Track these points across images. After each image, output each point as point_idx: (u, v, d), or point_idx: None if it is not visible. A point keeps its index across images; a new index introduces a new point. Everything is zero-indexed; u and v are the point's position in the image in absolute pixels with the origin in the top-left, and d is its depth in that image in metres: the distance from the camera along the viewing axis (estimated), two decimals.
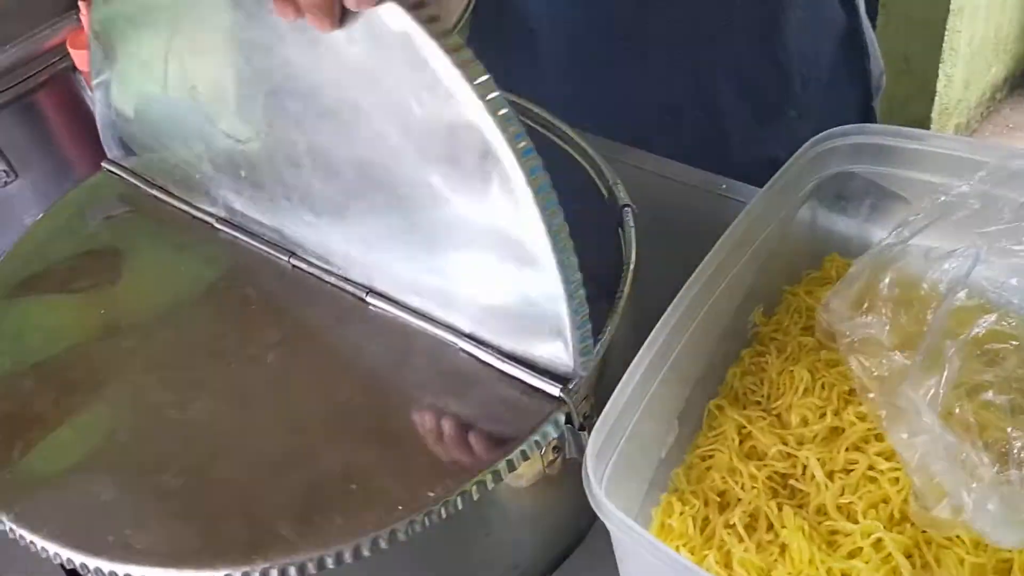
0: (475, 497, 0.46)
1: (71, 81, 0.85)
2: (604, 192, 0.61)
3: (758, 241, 0.56)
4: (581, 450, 0.51)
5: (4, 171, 0.83)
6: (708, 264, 0.52)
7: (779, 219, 0.58)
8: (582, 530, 0.59)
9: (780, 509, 0.52)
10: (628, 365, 0.49)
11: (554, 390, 0.49)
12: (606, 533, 0.46)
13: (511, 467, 0.47)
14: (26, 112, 0.84)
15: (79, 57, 0.79)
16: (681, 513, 0.53)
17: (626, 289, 0.53)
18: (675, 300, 0.50)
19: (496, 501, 0.50)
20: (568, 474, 0.54)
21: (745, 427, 0.56)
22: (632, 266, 0.55)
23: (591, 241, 0.68)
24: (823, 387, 0.56)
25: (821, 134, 0.58)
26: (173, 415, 0.51)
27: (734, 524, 0.52)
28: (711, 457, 0.56)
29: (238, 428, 0.51)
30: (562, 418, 0.48)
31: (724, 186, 0.78)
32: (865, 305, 0.53)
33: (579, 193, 0.67)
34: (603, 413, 0.47)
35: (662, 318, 0.50)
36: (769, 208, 0.56)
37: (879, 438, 0.54)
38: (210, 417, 0.51)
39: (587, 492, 0.46)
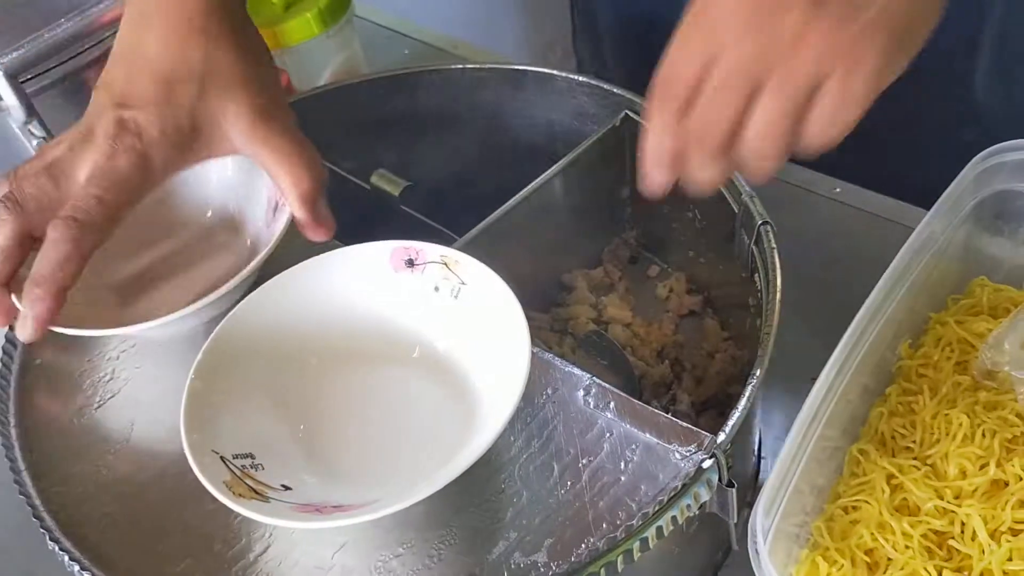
0: (620, 569, 0.41)
1: None
2: (735, 207, 0.55)
3: (918, 269, 0.50)
4: (723, 506, 0.45)
5: None
6: (875, 298, 0.47)
7: (939, 245, 0.51)
8: None
9: (939, 573, 0.47)
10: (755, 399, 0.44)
11: (701, 442, 0.43)
12: None
13: (660, 534, 0.42)
14: (76, 91, 0.78)
15: None
16: (828, 574, 0.48)
17: (774, 325, 0.47)
18: (842, 342, 0.44)
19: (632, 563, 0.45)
20: (700, 528, 0.49)
21: (895, 477, 0.50)
22: (779, 296, 0.49)
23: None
24: (983, 434, 0.51)
25: (988, 149, 0.52)
26: None
27: None
28: (856, 509, 0.50)
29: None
30: (715, 478, 0.43)
31: (837, 190, 0.72)
32: None
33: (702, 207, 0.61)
34: (776, 469, 0.42)
35: (830, 364, 0.44)
36: (933, 234, 0.50)
37: None
38: None
39: (752, 553, 0.43)
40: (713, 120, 0.40)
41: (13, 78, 0.71)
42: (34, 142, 0.76)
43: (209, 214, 0.58)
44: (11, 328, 0.54)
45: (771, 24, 0.38)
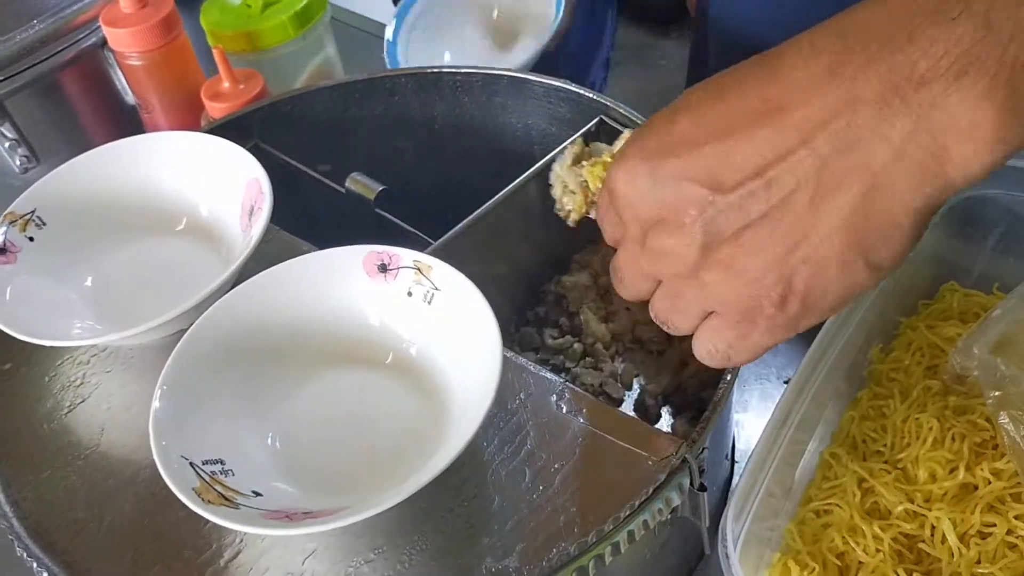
0: (591, 573, 0.41)
1: (99, 59, 0.78)
2: None
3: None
4: (696, 510, 0.46)
5: (25, 156, 0.76)
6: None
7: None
8: None
9: None
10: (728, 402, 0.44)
11: (673, 446, 0.43)
12: None
13: (631, 538, 0.42)
14: (50, 93, 0.77)
15: (114, 35, 0.72)
16: None
17: None
18: (814, 346, 0.45)
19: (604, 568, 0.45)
20: (673, 532, 0.49)
21: (866, 480, 0.51)
22: None
23: None
24: (953, 438, 0.51)
25: None
26: None
27: None
28: (828, 513, 0.51)
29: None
30: (686, 482, 0.43)
31: None
32: (1013, 353, 0.48)
33: None
34: (747, 473, 0.42)
35: (802, 368, 0.44)
36: None
37: (1018, 498, 0.49)
38: None
39: (722, 557, 0.43)
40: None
41: None
42: (6, 144, 0.75)
43: (184, 220, 0.58)
44: None
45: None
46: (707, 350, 0.39)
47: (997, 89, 0.30)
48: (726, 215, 0.34)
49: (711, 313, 0.38)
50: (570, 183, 0.48)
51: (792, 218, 0.34)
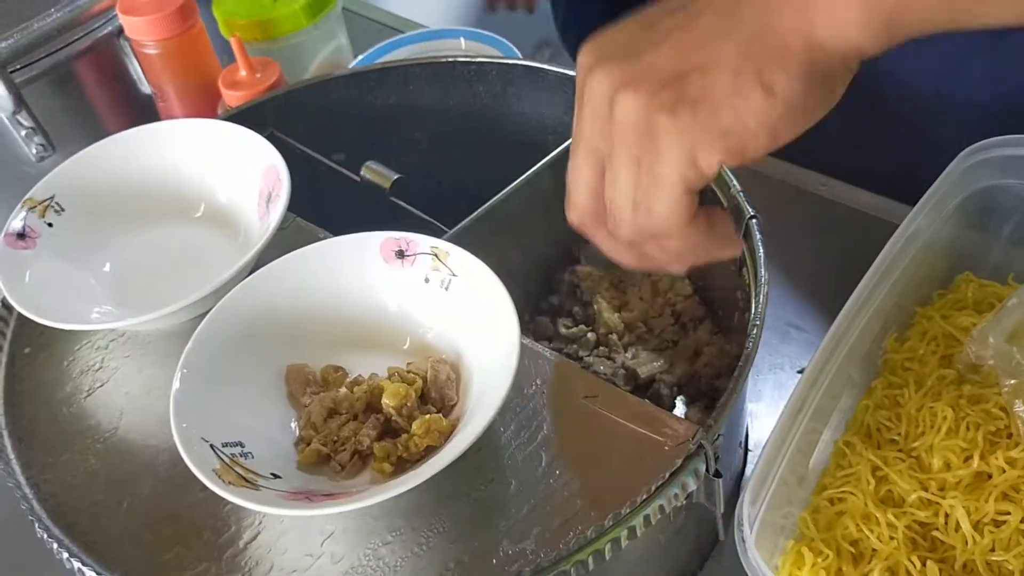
0: (607, 557, 0.41)
1: (115, 48, 0.78)
2: (724, 201, 0.55)
3: (904, 264, 0.50)
4: (711, 496, 0.46)
5: (42, 145, 0.76)
6: (861, 293, 0.47)
7: (925, 240, 0.52)
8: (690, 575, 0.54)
9: (923, 564, 0.47)
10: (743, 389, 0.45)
11: (689, 432, 0.43)
12: None
13: (647, 522, 0.42)
14: (66, 82, 0.77)
15: (130, 23, 0.72)
16: (813, 565, 0.48)
17: (761, 317, 0.48)
18: (828, 335, 0.45)
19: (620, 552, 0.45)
20: (688, 519, 0.49)
21: (880, 469, 0.51)
22: (765, 288, 0.49)
23: None
24: (967, 427, 0.51)
25: (974, 145, 0.52)
26: None
27: None
28: (841, 501, 0.51)
29: None
30: (702, 467, 0.43)
31: (823, 186, 0.72)
32: None
33: None
34: (763, 460, 0.42)
35: (816, 357, 0.44)
36: (919, 229, 0.51)
37: None
38: None
39: (738, 541, 0.43)
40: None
41: (2, 68, 0.70)
42: (22, 132, 0.75)
43: (202, 207, 0.58)
44: None
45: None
46: (624, 205, 0.40)
47: None
48: (650, 37, 0.38)
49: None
50: None
51: (696, 33, 0.37)
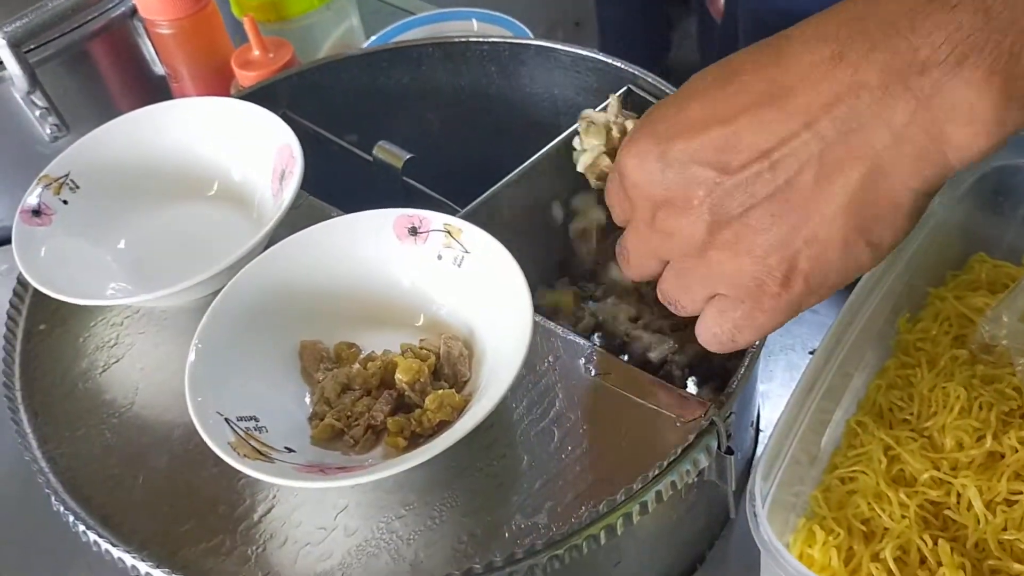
0: (619, 531, 0.41)
1: (128, 28, 0.79)
2: None
3: (917, 244, 0.50)
4: (722, 473, 0.46)
5: (55, 125, 0.77)
6: (873, 273, 0.47)
7: (938, 220, 0.52)
8: (701, 554, 0.54)
9: (935, 543, 0.47)
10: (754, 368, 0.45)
11: (701, 409, 0.43)
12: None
13: (659, 498, 0.42)
14: (80, 62, 0.78)
15: (143, 3, 0.72)
16: (824, 543, 0.48)
17: None
18: (840, 315, 0.45)
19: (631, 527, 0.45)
20: (699, 496, 0.50)
21: (892, 448, 0.51)
22: None
23: None
24: (980, 407, 0.51)
25: None
26: None
27: (883, 558, 0.47)
28: (853, 480, 0.51)
29: None
30: (714, 444, 0.43)
31: None
32: None
33: None
34: (774, 437, 0.42)
35: (827, 336, 0.44)
36: (932, 210, 0.50)
37: None
38: None
39: (750, 517, 0.43)
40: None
41: (16, 47, 0.70)
42: (36, 112, 0.76)
43: (216, 185, 0.59)
44: (15, 293, 0.54)
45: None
46: (712, 333, 0.39)
47: (995, 75, 0.31)
48: (732, 196, 0.35)
49: (717, 296, 0.39)
50: (597, 122, 0.51)
51: (796, 199, 0.35)
